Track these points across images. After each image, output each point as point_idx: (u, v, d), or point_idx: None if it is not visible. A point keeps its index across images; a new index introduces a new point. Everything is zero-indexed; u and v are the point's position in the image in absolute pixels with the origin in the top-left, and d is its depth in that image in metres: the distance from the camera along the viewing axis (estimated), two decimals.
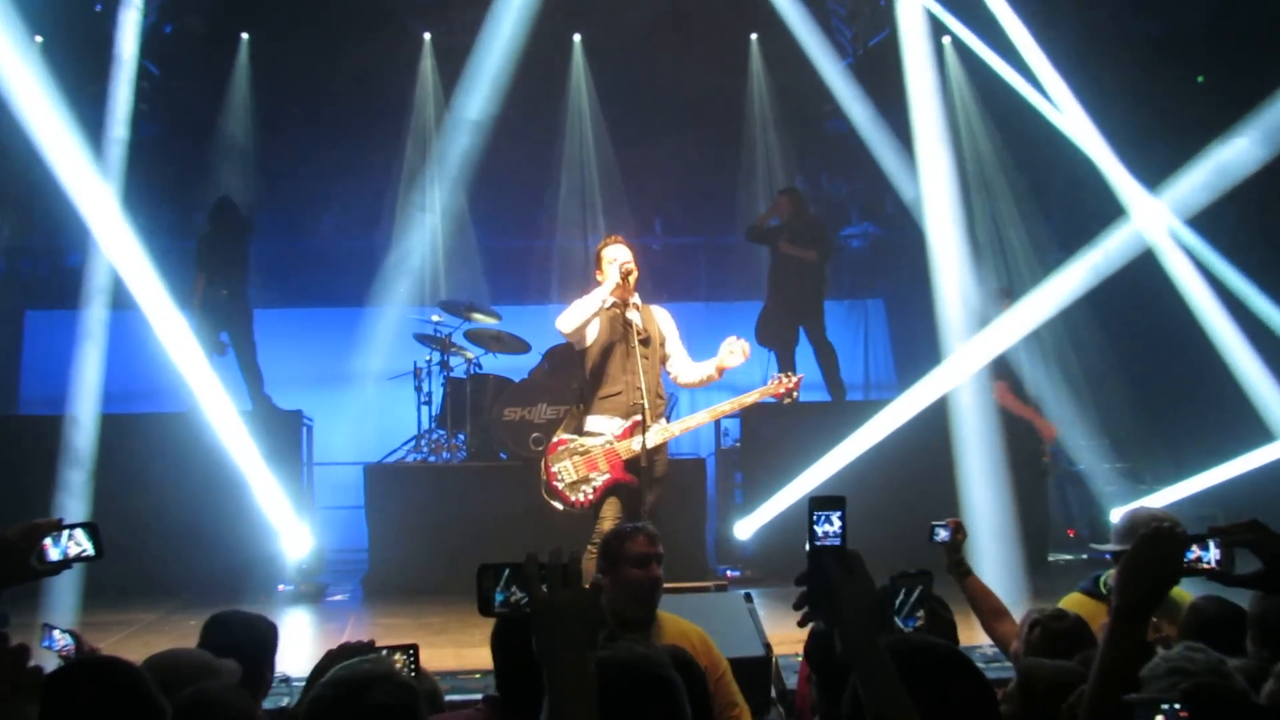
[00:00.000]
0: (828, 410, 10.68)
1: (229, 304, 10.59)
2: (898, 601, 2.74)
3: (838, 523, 2.36)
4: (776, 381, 7.14)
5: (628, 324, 6.87)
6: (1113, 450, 10.93)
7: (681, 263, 14.11)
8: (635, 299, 6.96)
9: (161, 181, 12.34)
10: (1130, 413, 11.57)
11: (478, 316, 10.84)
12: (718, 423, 10.94)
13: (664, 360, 7.01)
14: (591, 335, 6.91)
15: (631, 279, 6.84)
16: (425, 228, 13.11)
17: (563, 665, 2.15)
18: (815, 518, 2.34)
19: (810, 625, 2.43)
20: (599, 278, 6.99)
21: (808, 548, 2.33)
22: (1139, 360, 11.92)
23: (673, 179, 14.29)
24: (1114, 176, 11.10)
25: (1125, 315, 11.71)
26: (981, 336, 10.22)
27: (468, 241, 13.45)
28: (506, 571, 2.29)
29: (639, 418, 6.70)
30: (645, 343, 6.85)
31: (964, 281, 10.72)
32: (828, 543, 2.34)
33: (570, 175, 13.53)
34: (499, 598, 2.36)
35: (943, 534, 4.59)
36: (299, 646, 6.95)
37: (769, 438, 10.24)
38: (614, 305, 6.95)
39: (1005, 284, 11.68)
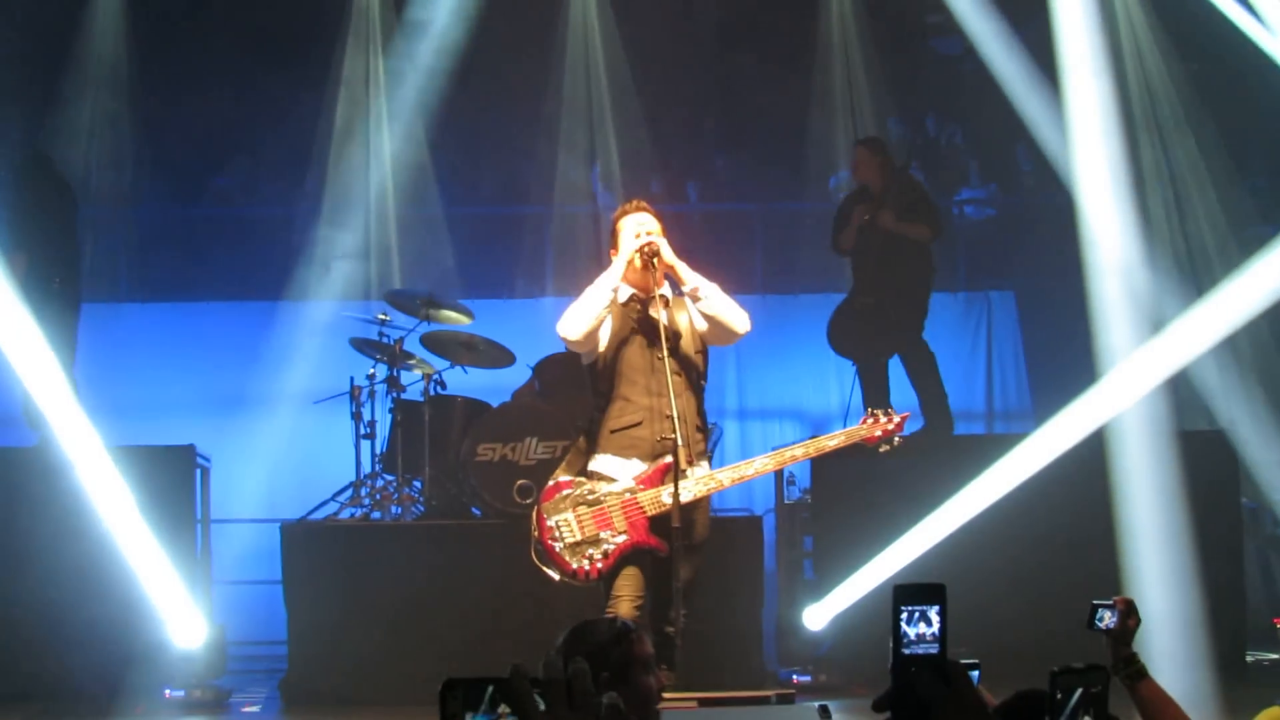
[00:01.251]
0: (935, 449, 10.68)
1: (60, 298, 10.59)
2: (1057, 707, 2.76)
3: (936, 621, 2.33)
4: (872, 420, 7.18)
5: (653, 325, 6.93)
6: None
7: (728, 239, 14.10)
8: (665, 290, 7.05)
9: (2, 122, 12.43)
10: None
11: (441, 314, 10.87)
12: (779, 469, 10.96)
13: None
14: (602, 342, 7.00)
15: (657, 260, 6.91)
16: (369, 191, 13.15)
17: None
18: (903, 615, 2.32)
19: None
20: (614, 257, 7.08)
21: (891, 659, 2.32)
22: None
23: (716, 124, 14.31)
24: None
25: None
26: (1154, 343, 10.21)
27: (429, 209, 13.49)
28: (489, 690, 2.21)
29: (669, 459, 6.75)
30: (674, 351, 6.92)
31: (1130, 267, 10.72)
32: (920, 650, 2.33)
33: (572, 118, 13.55)
34: None
35: (1108, 618, 4.60)
36: None
37: (850, 487, 10.26)
38: (632, 298, 7.06)
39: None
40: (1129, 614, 4.53)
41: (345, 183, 13.13)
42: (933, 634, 2.32)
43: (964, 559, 9.57)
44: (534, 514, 6.93)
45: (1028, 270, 13.94)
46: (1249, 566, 10.87)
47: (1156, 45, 12.79)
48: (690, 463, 6.84)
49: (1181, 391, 10.55)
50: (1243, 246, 11.29)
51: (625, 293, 7.09)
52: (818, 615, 9.97)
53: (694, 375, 7.01)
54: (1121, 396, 10.04)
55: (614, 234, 7.13)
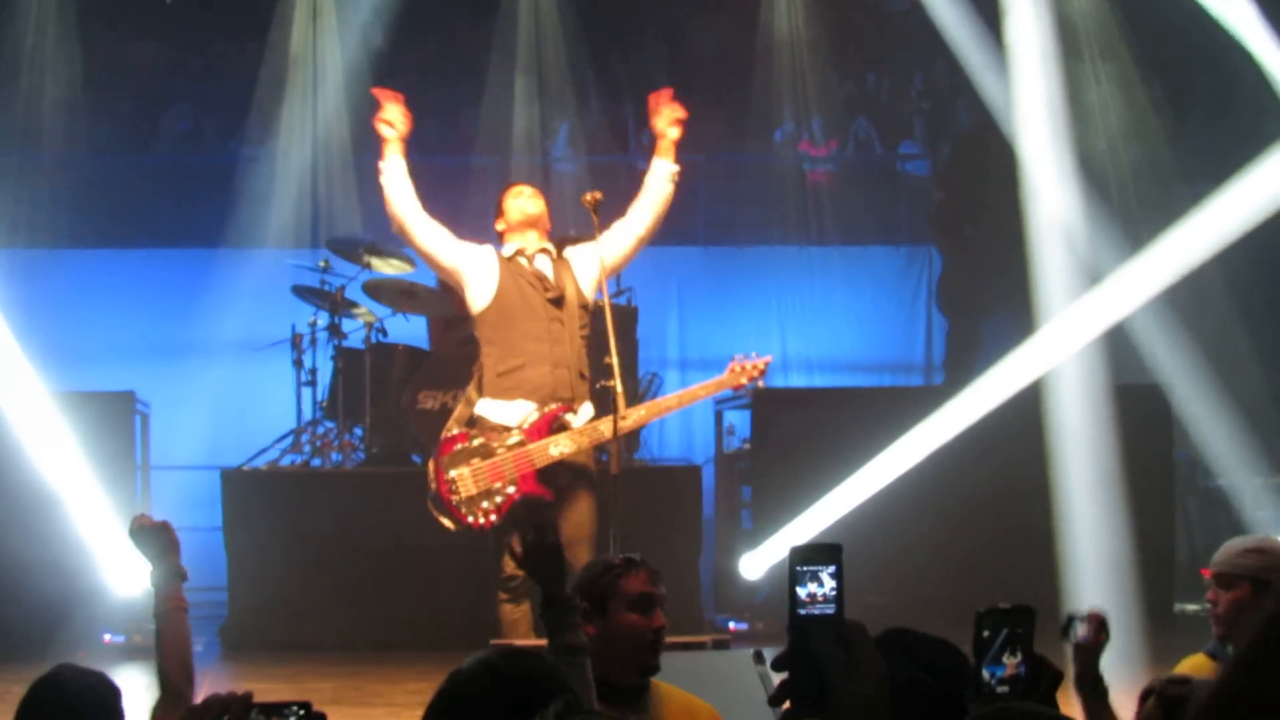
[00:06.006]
0: (875, 400, 10.75)
1: None
2: (983, 646, 2.77)
3: (830, 582, 2.30)
4: (739, 369, 7.35)
5: (536, 277, 7.19)
6: (1267, 460, 11.02)
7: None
8: (548, 245, 7.32)
9: None
10: None
11: (381, 263, 10.85)
12: (719, 416, 11.01)
13: (613, 261, 7.38)
14: (486, 292, 7.20)
15: (534, 213, 7.29)
16: (308, 138, 13.09)
17: None
18: (798, 575, 2.29)
19: None
20: (498, 226, 7.42)
21: (789, 620, 2.29)
22: None
23: (661, 74, 14.28)
24: None
25: None
26: (1092, 298, 10.29)
27: (371, 160, 13.42)
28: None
29: (556, 406, 6.98)
30: (558, 302, 7.16)
31: (1069, 221, 10.79)
32: (816, 611, 2.29)
33: (521, 66, 13.49)
34: None
35: (1080, 631, 4.58)
36: (134, 716, 6.97)
37: (789, 438, 10.34)
38: (517, 253, 7.27)
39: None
40: (1100, 629, 4.49)
41: (287, 131, 13.08)
42: (825, 594, 2.29)
43: (901, 509, 9.67)
44: (431, 466, 7.03)
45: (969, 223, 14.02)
46: (1180, 519, 10.99)
47: (1098, 4, 12.84)
48: (573, 409, 7.05)
49: (1118, 345, 10.62)
50: (1180, 204, 11.36)
51: (510, 248, 7.31)
52: (755, 564, 10.03)
53: (575, 326, 7.17)
54: (1059, 349, 10.13)
55: (499, 207, 7.45)
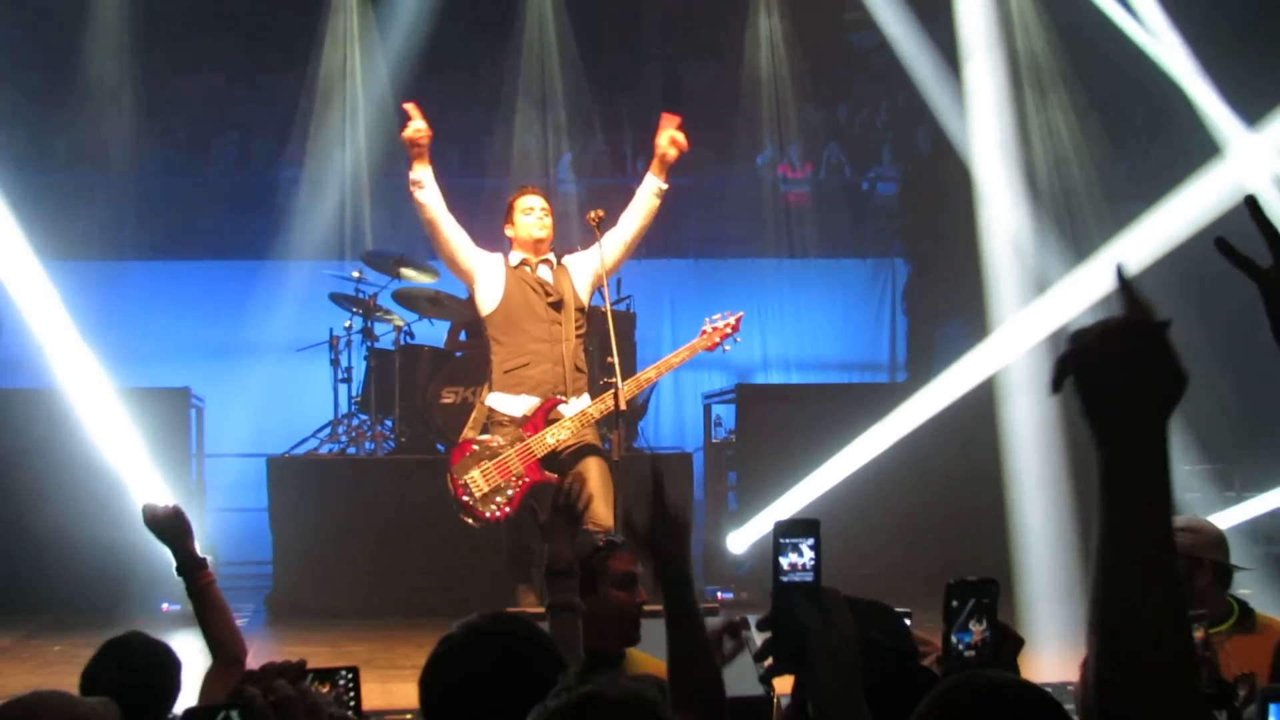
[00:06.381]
0: (845, 395, 10.70)
1: None
2: (952, 614, 2.74)
3: (809, 553, 2.34)
4: (712, 329, 7.35)
5: (539, 284, 7.21)
6: (1197, 448, 10.95)
7: (664, 209, 13.98)
8: (550, 256, 7.32)
9: (18, 96, 12.26)
10: (1219, 402, 11.60)
11: (410, 273, 10.80)
12: (707, 409, 10.97)
13: (607, 265, 7.29)
14: (494, 296, 7.23)
15: (540, 238, 7.24)
16: (344, 161, 13.05)
17: None
18: (781, 547, 2.33)
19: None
20: (507, 232, 7.39)
21: (772, 586, 2.33)
22: (1233, 337, 11.95)
23: (655, 105, 14.23)
24: (1209, 109, 11.14)
25: (1218, 280, 11.72)
26: (1039, 303, 10.25)
27: (399, 181, 13.37)
28: (226, 714, 2.11)
29: (558, 398, 7.04)
30: (556, 306, 7.17)
31: (1019, 235, 10.77)
32: (797, 578, 2.33)
33: (528, 101, 13.46)
34: None
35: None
36: (190, 681, 6.93)
37: (771, 428, 10.33)
38: (523, 262, 7.27)
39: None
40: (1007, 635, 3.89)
41: (324, 155, 13.03)
42: (804, 564, 2.33)
43: (869, 492, 9.67)
44: (447, 477, 7.04)
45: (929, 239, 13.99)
46: None
47: (1047, 41, 12.79)
48: (565, 400, 7.08)
49: (1062, 346, 10.56)
50: (1119, 219, 11.34)
51: (516, 257, 7.30)
52: (740, 540, 10.03)
53: (571, 327, 7.18)
54: (1009, 349, 10.11)
55: (509, 210, 7.40)
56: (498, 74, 13.51)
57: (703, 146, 14.11)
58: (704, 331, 7.36)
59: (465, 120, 14.00)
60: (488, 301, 7.27)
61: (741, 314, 7.46)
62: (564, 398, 7.07)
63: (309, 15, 13.09)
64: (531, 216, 7.30)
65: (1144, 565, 1.77)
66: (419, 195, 7.23)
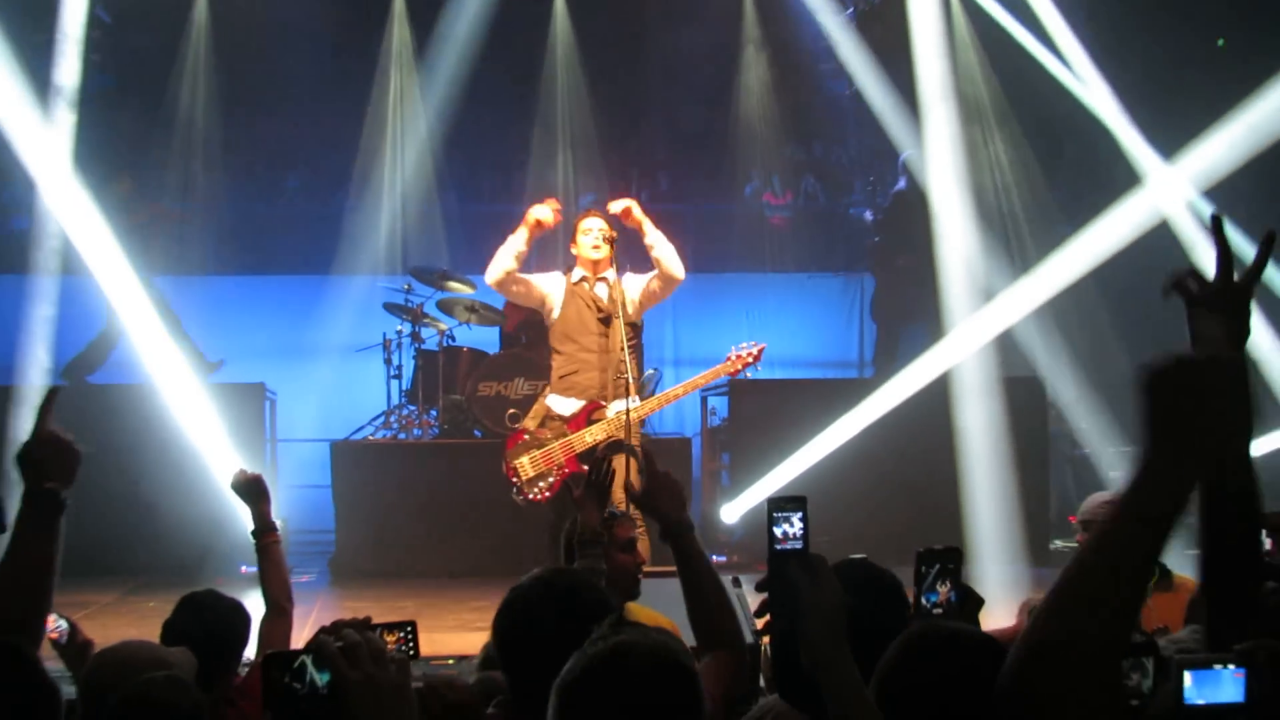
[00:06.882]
0: (821, 389, 10.76)
1: None
2: (921, 578, 2.76)
3: (799, 525, 2.38)
4: (734, 357, 7.25)
5: (593, 300, 7.10)
6: (1121, 432, 11.02)
7: (668, 233, 14.08)
8: (609, 274, 7.09)
9: (116, 138, 12.32)
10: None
11: (451, 285, 10.87)
12: (704, 400, 11.02)
13: (645, 297, 7.16)
14: (556, 311, 7.15)
15: (598, 250, 7.03)
16: (395, 190, 13.12)
17: None
18: (775, 520, 2.37)
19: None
20: (573, 250, 7.22)
21: (767, 553, 2.37)
22: (1150, 338, 11.99)
23: (659, 142, 14.31)
24: (1128, 144, 11.20)
25: (1137, 291, 11.77)
26: (986, 309, 10.31)
27: (442, 206, 13.45)
28: (302, 659, 1.96)
29: (600, 401, 6.98)
30: (606, 321, 7.04)
31: (969, 250, 10.82)
32: (789, 547, 2.37)
33: (547, 137, 13.51)
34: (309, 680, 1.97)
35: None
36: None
37: (758, 417, 10.35)
38: (582, 279, 7.15)
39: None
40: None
41: (377, 187, 13.09)
42: (795, 534, 2.37)
43: (840, 470, 9.68)
44: (504, 463, 7.03)
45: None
46: (1054, 477, 11.00)
47: (992, 86, 12.83)
48: (606, 404, 6.99)
49: (1006, 346, 10.63)
50: (1052, 239, 11.36)
51: (578, 274, 7.17)
52: (732, 512, 10.07)
53: (618, 340, 7.01)
54: (960, 350, 10.16)
55: (574, 231, 7.21)
56: (527, 113, 13.57)
57: (700, 179, 14.27)
58: (729, 358, 7.24)
59: (499, 153, 14.03)
60: (551, 315, 7.19)
61: (764, 345, 7.31)
62: (605, 402, 7.00)
63: (366, 67, 13.18)
64: (589, 237, 7.05)
65: (1126, 566, 1.69)
66: (504, 251, 7.05)
